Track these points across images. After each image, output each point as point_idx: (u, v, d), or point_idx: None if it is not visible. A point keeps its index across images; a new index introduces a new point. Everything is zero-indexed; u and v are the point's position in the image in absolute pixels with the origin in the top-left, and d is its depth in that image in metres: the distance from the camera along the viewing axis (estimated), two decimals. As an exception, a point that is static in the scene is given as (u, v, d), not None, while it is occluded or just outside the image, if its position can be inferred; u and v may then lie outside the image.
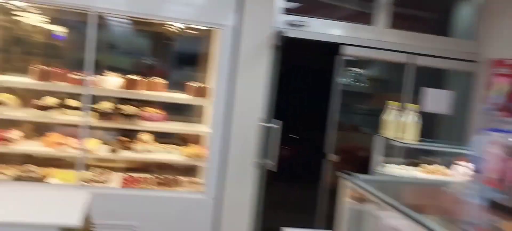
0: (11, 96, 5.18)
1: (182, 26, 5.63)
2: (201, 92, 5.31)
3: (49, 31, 6.20)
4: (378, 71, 6.84)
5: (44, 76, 4.93)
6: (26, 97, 5.55)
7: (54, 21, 6.18)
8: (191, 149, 5.43)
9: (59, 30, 6.32)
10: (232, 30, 5.02)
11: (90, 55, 4.69)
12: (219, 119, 5.05)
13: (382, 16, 5.65)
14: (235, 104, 5.09)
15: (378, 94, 6.45)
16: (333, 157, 5.51)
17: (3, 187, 3.54)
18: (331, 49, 5.33)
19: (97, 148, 5.19)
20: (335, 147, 5.58)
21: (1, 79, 4.79)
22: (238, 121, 5.09)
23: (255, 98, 5.12)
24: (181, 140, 6.00)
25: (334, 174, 5.79)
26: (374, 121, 5.59)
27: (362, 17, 6.00)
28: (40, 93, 5.52)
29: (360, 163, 5.83)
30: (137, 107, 5.51)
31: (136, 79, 5.17)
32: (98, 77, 5.11)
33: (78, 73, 5.01)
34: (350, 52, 5.40)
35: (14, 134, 5.14)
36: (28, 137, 5.34)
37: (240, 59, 5.07)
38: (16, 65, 5.75)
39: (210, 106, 5.54)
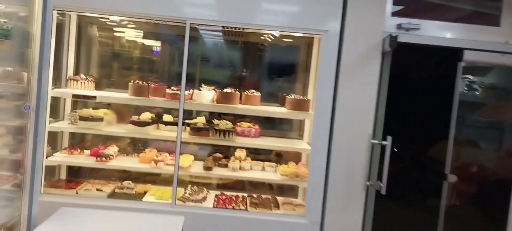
0: (109, 111, 5.14)
1: (276, 34, 5.26)
2: (300, 105, 4.87)
3: (145, 46, 6.18)
4: (495, 78, 5.92)
5: (141, 91, 4.81)
6: (122, 112, 5.51)
7: (149, 35, 6.15)
8: (289, 168, 5.00)
9: (155, 44, 6.28)
10: (334, 36, 4.53)
11: (184, 69, 4.46)
12: (321, 134, 4.56)
13: (510, 16, 4.81)
14: (339, 118, 4.57)
15: (495, 104, 5.55)
16: (453, 178, 4.76)
17: (99, 212, 3.35)
18: (450, 54, 4.61)
19: (191, 164, 4.95)
20: (453, 165, 4.81)
21: (102, 95, 4.74)
22: (342, 137, 4.56)
23: (362, 111, 4.56)
24: (278, 156, 5.61)
25: (454, 195, 5.02)
26: (492, 135, 4.71)
27: (484, 18, 5.19)
28: (135, 108, 5.46)
29: (480, 184, 5.02)
30: (232, 122, 5.21)
31: (230, 93, 4.87)
32: (194, 91, 4.90)
33: (174, 88, 4.83)
34: (472, 58, 4.63)
35: (112, 149, 5.08)
36: (124, 152, 5.27)
37: (343, 68, 4.55)
38: (114, 80, 5.77)
39: (310, 120, 5.09)
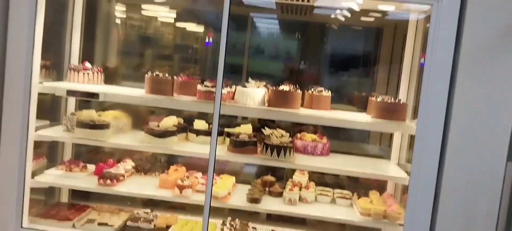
0: (121, 114, 3.77)
1: (347, 13, 3.72)
2: (391, 112, 3.26)
3: (177, 29, 4.80)
4: None
5: (161, 87, 3.39)
6: (142, 115, 4.14)
7: (184, 16, 4.76)
8: (373, 202, 3.40)
9: (188, 25, 4.89)
10: (451, 10, 2.89)
11: (221, 57, 2.99)
12: (427, 156, 2.93)
13: None
14: (457, 132, 2.91)
15: None
16: None
17: None
18: None
19: (230, 192, 3.49)
20: None
21: (106, 91, 3.37)
22: (461, 160, 2.91)
23: (493, 121, 2.89)
24: (352, 181, 4.03)
25: None
26: None
27: None
28: (158, 111, 4.08)
29: None
30: (289, 132, 3.69)
31: (289, 92, 3.35)
32: (236, 89, 3.43)
33: (208, 84, 3.37)
34: None
35: (123, 167, 3.71)
36: (141, 169, 3.89)
37: (464, 58, 2.89)
38: (132, 73, 4.41)
39: (403, 133, 3.49)
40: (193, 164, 3.98)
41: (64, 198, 4.07)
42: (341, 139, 4.10)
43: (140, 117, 4.00)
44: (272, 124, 4.02)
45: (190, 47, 5.10)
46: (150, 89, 3.40)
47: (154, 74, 3.41)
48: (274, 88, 3.38)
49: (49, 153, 3.97)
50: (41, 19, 3.19)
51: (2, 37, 3.08)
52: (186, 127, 3.73)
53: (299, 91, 3.39)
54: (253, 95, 3.32)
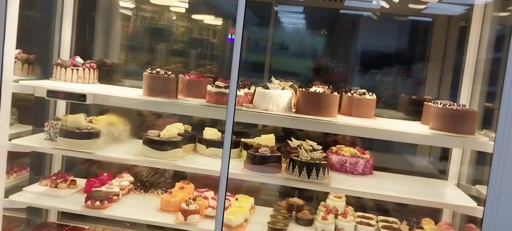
0: (117, 120, 3.12)
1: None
2: (456, 121, 2.50)
3: (190, 20, 4.15)
4: None
5: (163, 87, 2.72)
6: (146, 118, 3.50)
7: (197, 6, 4.12)
8: (430, 237, 2.66)
9: (210, 21, 4.25)
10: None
11: (237, 51, 2.30)
12: (508, 181, 2.18)
13: None
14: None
15: None
16: None
17: None
18: None
19: (247, 218, 2.80)
20: None
21: (94, 91, 2.72)
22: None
23: None
24: (398, 204, 3.28)
25: None
26: None
27: None
28: (163, 117, 3.44)
29: None
30: (320, 143, 2.97)
31: (323, 94, 2.63)
32: (256, 90, 2.74)
33: (220, 84, 2.68)
34: None
35: (119, 183, 3.06)
36: (141, 185, 3.23)
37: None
38: (133, 70, 3.78)
39: (472, 148, 2.75)
40: (204, 180, 3.30)
41: (53, 217, 3.44)
42: (382, 150, 3.36)
43: (142, 123, 3.35)
44: (298, 132, 3.32)
45: (205, 42, 4.44)
46: (149, 89, 2.73)
47: (154, 71, 2.74)
48: (303, 89, 2.67)
49: (35, 163, 3.36)
50: (16, 2, 2.56)
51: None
52: (194, 136, 3.06)
53: (335, 93, 2.67)
54: (277, 98, 2.62)
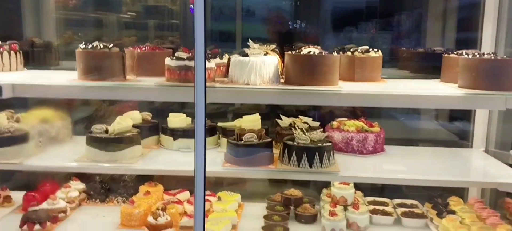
0: (53, 114, 2.40)
1: None
2: (496, 75, 1.92)
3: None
4: None
5: (104, 65, 2.02)
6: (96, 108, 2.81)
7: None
8: (466, 224, 2.11)
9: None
10: None
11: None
12: None
13: None
14: None
15: None
16: None
17: None
18: None
19: (235, 222, 2.18)
20: None
21: (14, 82, 2.00)
22: None
23: None
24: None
25: None
26: None
27: None
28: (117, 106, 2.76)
29: None
30: (314, 119, 2.36)
31: (320, 57, 1.99)
32: (231, 59, 2.07)
33: (182, 54, 2.01)
34: None
35: (65, 195, 2.39)
36: (96, 193, 2.56)
37: None
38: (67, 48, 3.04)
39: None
40: (176, 177, 2.66)
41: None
42: (386, 118, 2.77)
43: (91, 114, 2.65)
44: (285, 105, 2.71)
45: (161, 11, 3.70)
46: (85, 71, 2.02)
47: (90, 46, 2.02)
48: (293, 52, 2.02)
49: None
50: None
51: None
52: (157, 125, 2.39)
53: (335, 54, 2.04)
54: (260, 67, 1.96)
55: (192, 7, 3.94)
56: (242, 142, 2.01)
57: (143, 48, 2.25)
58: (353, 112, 2.66)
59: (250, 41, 2.13)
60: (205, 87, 1.72)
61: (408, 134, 2.75)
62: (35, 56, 2.59)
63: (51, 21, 3.12)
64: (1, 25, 2.74)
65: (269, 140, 2.06)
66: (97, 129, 2.10)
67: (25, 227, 2.11)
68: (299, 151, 1.96)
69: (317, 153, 1.95)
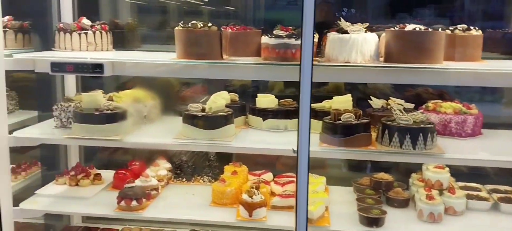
0: (144, 93, 2.44)
1: None
2: None
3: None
4: None
5: (202, 44, 2.02)
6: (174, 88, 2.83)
7: None
8: None
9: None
10: None
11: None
12: None
13: None
14: None
15: None
16: None
17: None
18: None
19: (326, 203, 2.15)
20: None
21: (116, 59, 2.04)
22: None
23: None
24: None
25: None
26: None
27: None
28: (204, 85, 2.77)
29: None
30: (410, 101, 2.29)
31: (426, 33, 1.91)
32: (329, 37, 2.03)
33: (281, 31, 1.99)
34: None
35: (155, 173, 2.43)
36: (182, 173, 2.60)
37: None
38: (152, 32, 3.08)
39: None
40: (255, 158, 2.67)
41: (77, 219, 2.83)
42: (479, 101, 2.65)
43: (171, 94, 2.68)
44: (369, 88, 2.65)
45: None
46: (184, 51, 2.03)
47: (190, 25, 2.03)
48: (396, 28, 1.96)
49: (46, 156, 2.73)
50: None
51: None
52: (243, 106, 2.39)
53: (440, 31, 1.96)
54: (362, 45, 1.91)
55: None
56: (341, 121, 1.97)
57: (234, 28, 2.24)
58: (441, 95, 2.57)
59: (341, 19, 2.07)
60: (312, 65, 1.69)
61: (501, 119, 2.64)
62: (119, 37, 2.63)
63: (124, 3, 3.18)
64: (82, 6, 2.78)
65: (367, 120, 2.02)
66: (194, 107, 2.12)
67: (123, 203, 2.16)
68: (402, 131, 1.91)
69: (421, 134, 1.89)
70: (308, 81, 1.70)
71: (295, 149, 1.90)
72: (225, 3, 3.46)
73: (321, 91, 2.74)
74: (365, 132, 1.98)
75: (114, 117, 2.10)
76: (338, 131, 1.97)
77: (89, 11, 2.86)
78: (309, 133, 1.73)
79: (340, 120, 1.98)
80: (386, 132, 1.96)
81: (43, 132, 2.20)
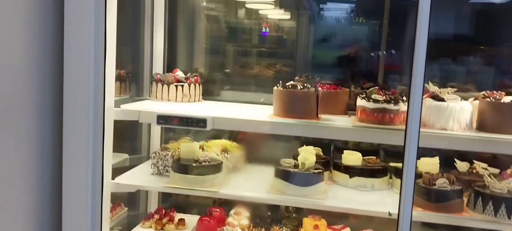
0: (231, 144, 2.55)
1: None
2: None
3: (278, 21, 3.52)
4: None
5: (303, 104, 2.13)
6: (261, 140, 2.91)
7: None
8: None
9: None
10: None
11: (423, 33, 1.70)
12: None
13: None
14: None
15: None
16: None
17: None
18: None
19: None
20: None
21: (219, 116, 2.15)
22: None
23: None
24: None
25: None
26: None
27: None
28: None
29: None
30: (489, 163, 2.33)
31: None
32: (427, 102, 2.10)
33: (378, 96, 2.08)
34: None
35: (237, 223, 2.50)
36: (261, 222, 2.67)
37: None
38: (235, 80, 3.22)
39: None
40: (329, 212, 2.71)
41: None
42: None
43: (254, 144, 2.78)
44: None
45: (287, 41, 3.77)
46: (282, 109, 2.14)
47: (289, 85, 2.14)
48: (491, 99, 2.03)
49: (129, 197, 2.84)
50: (114, 11, 2.03)
51: (57, 34, 1.95)
52: (327, 162, 2.47)
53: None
54: (459, 113, 1.99)
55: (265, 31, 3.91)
56: (435, 187, 2.03)
57: (325, 87, 2.34)
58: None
59: (430, 83, 2.14)
60: (419, 132, 1.77)
61: None
62: (204, 88, 2.77)
63: (200, 52, 3.34)
64: (169, 57, 2.93)
65: (460, 187, 2.06)
66: (287, 163, 2.20)
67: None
68: (496, 200, 1.95)
69: (516, 203, 1.93)
70: (414, 148, 1.77)
71: (391, 211, 1.98)
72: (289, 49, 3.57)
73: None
74: (459, 198, 2.03)
75: (211, 168, 2.20)
76: (433, 196, 2.02)
77: (173, 59, 3.04)
78: (413, 198, 1.79)
79: (435, 185, 2.03)
80: (480, 199, 2.00)
81: (142, 178, 2.31)
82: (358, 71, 3.31)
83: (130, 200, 2.85)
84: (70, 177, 1.98)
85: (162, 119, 2.14)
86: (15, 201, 1.90)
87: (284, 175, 2.17)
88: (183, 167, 2.19)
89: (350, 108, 2.27)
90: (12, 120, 1.81)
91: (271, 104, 2.22)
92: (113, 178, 2.19)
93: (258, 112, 2.24)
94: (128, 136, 2.84)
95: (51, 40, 1.96)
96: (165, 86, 2.46)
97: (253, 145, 2.70)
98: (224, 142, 2.52)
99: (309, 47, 3.48)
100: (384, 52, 3.20)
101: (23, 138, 1.88)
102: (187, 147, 2.27)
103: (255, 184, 2.29)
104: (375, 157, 2.45)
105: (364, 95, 2.11)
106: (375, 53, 3.34)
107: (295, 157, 2.27)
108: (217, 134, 2.76)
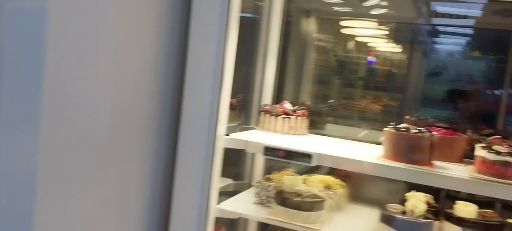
0: (334, 180, 2.51)
1: None
2: None
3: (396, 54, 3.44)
4: None
5: (416, 150, 2.03)
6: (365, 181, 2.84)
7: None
8: None
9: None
10: None
11: None
12: None
13: None
14: None
15: None
16: None
17: None
18: None
19: None
20: None
21: (324, 153, 2.14)
22: None
23: None
24: None
25: None
26: None
27: None
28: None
29: None
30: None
31: None
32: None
33: (500, 148, 1.92)
34: None
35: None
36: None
37: None
38: (341, 115, 3.19)
39: None
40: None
41: None
42: None
43: (357, 183, 2.70)
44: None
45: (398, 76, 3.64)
46: (393, 152, 2.06)
47: (402, 128, 2.06)
48: None
49: (229, 222, 2.92)
50: (234, 41, 2.13)
51: (178, 60, 2.09)
52: (438, 211, 2.31)
53: None
54: None
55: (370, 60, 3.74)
56: None
57: (440, 131, 2.22)
58: None
59: None
60: None
61: None
62: (309, 118, 2.77)
63: (308, 84, 3.35)
64: (279, 88, 2.99)
65: None
66: (393, 208, 2.11)
67: None
68: None
69: None
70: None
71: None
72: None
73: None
74: None
75: (315, 205, 2.18)
76: None
77: (281, 91, 3.09)
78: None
79: None
80: None
81: (244, 207, 2.36)
82: (475, 112, 3.10)
83: (231, 225, 2.92)
84: (180, 199, 2.10)
85: (269, 151, 2.17)
86: (128, 218, 2.05)
87: (389, 220, 2.07)
88: (286, 200, 2.19)
89: (466, 155, 2.14)
90: (133, 138, 1.97)
91: (376, 142, 2.15)
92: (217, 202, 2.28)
93: (366, 152, 2.18)
94: (233, 161, 2.93)
95: (173, 67, 2.11)
96: (273, 118, 2.50)
97: (356, 184, 2.62)
98: (327, 178, 2.48)
99: (419, 82, 3.34)
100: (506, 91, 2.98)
101: (139, 156, 2.04)
102: (290, 180, 2.28)
103: (358, 226, 2.22)
104: (491, 210, 2.24)
105: (485, 146, 1.95)
106: (495, 92, 3.12)
107: (402, 201, 2.17)
108: (319, 167, 2.74)
